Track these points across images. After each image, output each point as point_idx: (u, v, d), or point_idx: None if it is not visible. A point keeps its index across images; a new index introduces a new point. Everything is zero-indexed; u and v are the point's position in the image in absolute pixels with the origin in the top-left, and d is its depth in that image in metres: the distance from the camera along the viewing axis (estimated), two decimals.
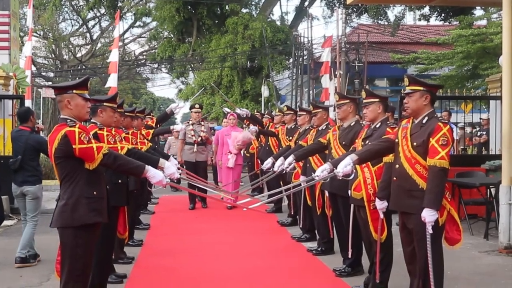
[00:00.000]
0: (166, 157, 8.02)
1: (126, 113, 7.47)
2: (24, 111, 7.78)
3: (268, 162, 8.01)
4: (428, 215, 4.53)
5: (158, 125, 10.50)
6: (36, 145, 7.32)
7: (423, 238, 4.61)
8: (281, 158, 7.25)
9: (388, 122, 5.82)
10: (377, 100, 5.82)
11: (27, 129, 7.44)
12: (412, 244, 4.87)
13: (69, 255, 4.33)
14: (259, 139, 12.76)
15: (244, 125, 14.27)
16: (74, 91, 4.42)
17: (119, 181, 6.02)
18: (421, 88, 4.83)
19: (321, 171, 5.38)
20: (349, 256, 6.55)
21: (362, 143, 5.77)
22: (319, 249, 7.84)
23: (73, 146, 4.21)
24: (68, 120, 4.32)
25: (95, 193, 4.39)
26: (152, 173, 4.49)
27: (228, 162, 12.00)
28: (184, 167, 11.38)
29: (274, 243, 8.66)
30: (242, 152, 12.67)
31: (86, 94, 4.50)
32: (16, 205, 8.98)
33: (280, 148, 9.80)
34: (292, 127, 9.94)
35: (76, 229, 4.31)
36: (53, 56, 43.62)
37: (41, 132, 8.21)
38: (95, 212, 4.37)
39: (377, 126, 5.77)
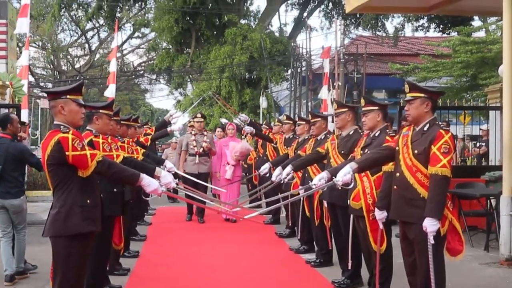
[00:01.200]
0: (161, 162, 7.96)
1: (122, 122, 7.37)
2: (1, 118, 7.23)
3: (265, 167, 7.99)
4: (430, 225, 4.43)
5: None
6: (17, 154, 6.81)
7: (425, 249, 4.52)
8: (279, 168, 7.14)
9: (387, 130, 5.74)
10: (376, 108, 5.74)
11: (8, 136, 6.89)
12: (413, 255, 4.77)
13: (62, 265, 4.24)
14: (257, 149, 12.64)
15: (242, 136, 14.05)
16: (68, 96, 4.33)
17: (114, 190, 5.92)
18: (422, 95, 4.76)
19: (319, 179, 5.29)
20: (349, 267, 6.44)
21: (361, 151, 5.70)
22: (317, 260, 7.73)
23: (66, 153, 4.12)
24: (62, 126, 4.23)
25: (88, 201, 4.29)
26: (147, 182, 4.40)
27: (226, 174, 11.71)
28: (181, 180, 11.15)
29: (272, 255, 8.56)
30: (241, 163, 12.43)
31: (80, 99, 4.41)
32: None
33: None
34: (290, 137, 9.85)
35: (69, 239, 4.21)
36: (52, 66, 43.70)
37: (24, 141, 7.73)
38: (88, 221, 4.27)
39: (376, 134, 5.69)
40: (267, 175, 8.33)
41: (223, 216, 11.36)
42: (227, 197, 10.96)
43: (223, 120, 13.37)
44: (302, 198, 7.73)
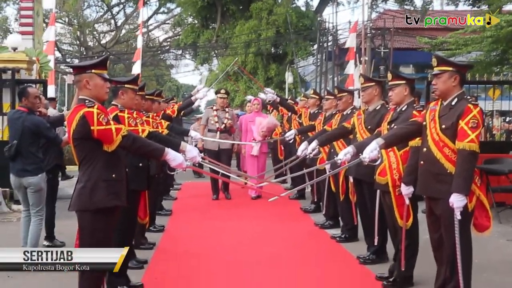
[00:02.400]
0: (185, 132, 7.97)
1: (146, 96, 7.33)
2: (19, 90, 6.84)
3: (291, 133, 8.33)
4: (457, 201, 4.38)
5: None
6: (33, 128, 6.42)
7: (451, 225, 4.47)
8: (305, 143, 7.08)
9: (414, 105, 5.66)
10: (403, 82, 5.66)
11: (24, 109, 6.52)
12: (439, 231, 4.72)
13: (88, 239, 4.27)
14: (282, 124, 12.55)
15: (268, 111, 13.94)
16: (93, 70, 4.32)
17: (140, 164, 5.90)
18: (450, 69, 4.67)
19: (344, 154, 5.24)
20: (375, 243, 6.41)
21: (388, 126, 5.63)
22: (342, 236, 7.72)
23: (91, 128, 4.13)
24: (87, 101, 4.23)
25: (114, 176, 4.30)
26: (172, 156, 4.39)
27: (252, 150, 11.46)
28: (206, 154, 11.17)
29: (297, 230, 8.56)
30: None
31: (105, 74, 4.40)
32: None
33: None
34: (315, 111, 9.77)
35: (94, 213, 4.24)
36: (78, 42, 43.89)
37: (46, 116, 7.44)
38: (113, 195, 4.29)
39: (403, 109, 5.61)
40: (291, 141, 8.84)
41: (252, 195, 11.28)
42: (254, 172, 10.91)
43: (249, 97, 13.22)
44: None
